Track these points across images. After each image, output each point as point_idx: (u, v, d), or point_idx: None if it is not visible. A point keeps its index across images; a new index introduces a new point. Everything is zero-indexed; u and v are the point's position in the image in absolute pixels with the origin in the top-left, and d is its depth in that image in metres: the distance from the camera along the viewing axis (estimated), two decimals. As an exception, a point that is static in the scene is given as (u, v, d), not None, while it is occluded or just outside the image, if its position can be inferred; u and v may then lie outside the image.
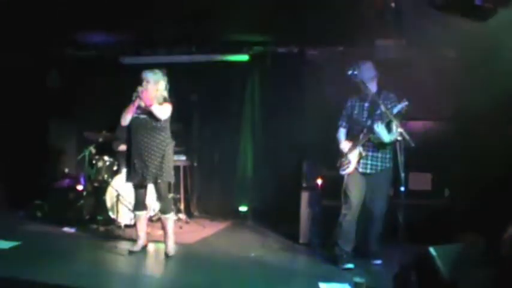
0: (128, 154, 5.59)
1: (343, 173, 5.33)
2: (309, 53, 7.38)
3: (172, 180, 5.72)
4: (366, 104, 5.29)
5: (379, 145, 5.14)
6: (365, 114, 5.28)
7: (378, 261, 5.38)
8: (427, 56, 6.24)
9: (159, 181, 5.40)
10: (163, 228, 5.59)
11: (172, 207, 5.82)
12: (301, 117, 7.34)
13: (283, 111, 7.48)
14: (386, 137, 4.99)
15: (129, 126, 5.51)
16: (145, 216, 5.77)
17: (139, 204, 5.65)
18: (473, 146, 6.13)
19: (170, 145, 5.53)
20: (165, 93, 5.50)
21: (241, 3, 5.61)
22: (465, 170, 6.23)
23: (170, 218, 5.58)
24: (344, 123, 5.52)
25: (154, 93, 5.39)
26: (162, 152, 5.40)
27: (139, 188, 5.59)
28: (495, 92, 5.30)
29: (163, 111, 5.38)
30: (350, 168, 5.26)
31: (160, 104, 5.40)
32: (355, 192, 5.22)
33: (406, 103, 4.86)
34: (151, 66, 5.59)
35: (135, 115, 5.42)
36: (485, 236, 4.64)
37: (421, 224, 5.70)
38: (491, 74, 5.37)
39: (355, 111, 5.36)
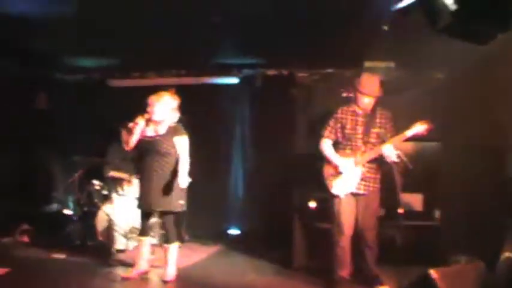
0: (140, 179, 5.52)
1: (341, 194, 5.13)
2: (298, 75, 7.41)
3: (178, 209, 5.34)
4: (361, 119, 5.19)
5: (380, 163, 5.10)
6: (359, 130, 5.17)
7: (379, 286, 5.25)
8: (417, 77, 6.31)
9: (165, 210, 5.28)
10: (164, 255, 5.47)
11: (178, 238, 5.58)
12: (291, 139, 7.37)
13: (273, 133, 7.47)
14: (394, 157, 4.90)
15: (138, 151, 5.41)
16: (149, 242, 5.59)
17: (144, 230, 5.50)
18: (464, 166, 6.17)
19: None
20: (174, 116, 5.36)
21: (231, 26, 5.62)
22: (456, 191, 6.26)
23: (171, 248, 5.39)
24: (332, 135, 5.30)
25: (162, 114, 5.26)
26: (166, 178, 5.19)
27: (146, 213, 5.47)
28: (486, 112, 5.37)
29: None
30: (349, 189, 5.11)
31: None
32: (347, 214, 5.12)
33: (425, 126, 4.85)
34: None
35: (145, 138, 5.27)
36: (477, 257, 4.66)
37: (412, 245, 5.71)
38: (483, 94, 5.45)
39: (348, 126, 5.20)
